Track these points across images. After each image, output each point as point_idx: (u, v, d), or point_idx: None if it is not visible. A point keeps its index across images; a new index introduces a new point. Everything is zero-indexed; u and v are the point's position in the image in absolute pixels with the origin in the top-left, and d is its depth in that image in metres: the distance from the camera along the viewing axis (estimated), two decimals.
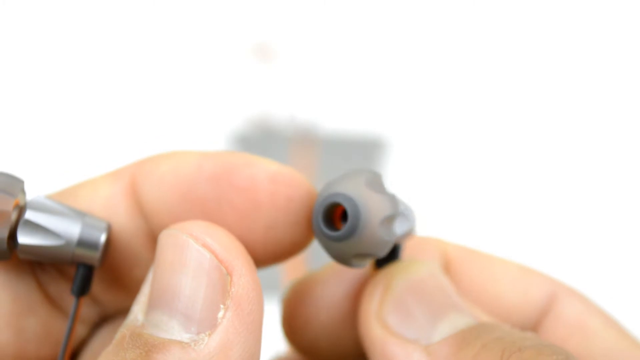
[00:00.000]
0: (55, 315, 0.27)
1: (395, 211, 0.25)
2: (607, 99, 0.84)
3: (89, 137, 0.79)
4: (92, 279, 0.26)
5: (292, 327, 0.29)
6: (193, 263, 0.23)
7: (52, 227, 0.25)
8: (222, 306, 0.23)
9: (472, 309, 0.27)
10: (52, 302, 0.27)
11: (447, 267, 0.30)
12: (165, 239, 0.24)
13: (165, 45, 0.86)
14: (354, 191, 0.24)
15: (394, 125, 0.83)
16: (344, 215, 0.25)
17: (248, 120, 0.82)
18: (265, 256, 0.27)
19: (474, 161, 0.81)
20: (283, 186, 0.26)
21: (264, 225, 0.26)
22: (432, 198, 0.78)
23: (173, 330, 0.23)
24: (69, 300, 0.27)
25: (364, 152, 0.80)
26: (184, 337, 0.23)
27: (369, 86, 0.85)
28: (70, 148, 0.78)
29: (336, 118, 0.83)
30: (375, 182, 0.25)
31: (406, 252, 0.29)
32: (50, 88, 0.83)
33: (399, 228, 0.26)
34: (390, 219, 0.24)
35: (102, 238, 0.26)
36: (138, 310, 0.24)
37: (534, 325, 0.29)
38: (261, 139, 0.81)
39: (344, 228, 0.24)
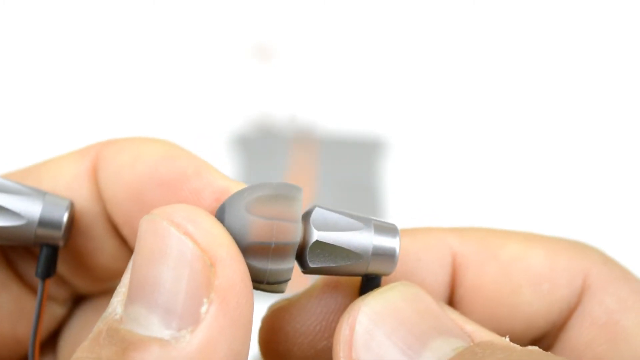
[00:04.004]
0: (26, 293, 0.27)
1: (271, 239, 0.22)
2: (607, 113, 0.84)
3: (88, 137, 0.79)
4: (57, 259, 0.25)
5: (270, 353, 0.27)
6: (174, 252, 0.21)
7: (11, 207, 0.24)
8: (205, 300, 0.21)
9: (468, 326, 0.23)
10: (23, 280, 0.27)
11: (456, 273, 0.26)
12: (146, 225, 0.22)
13: (165, 45, 0.86)
14: (229, 211, 0.23)
15: (393, 125, 0.83)
16: None
17: (248, 121, 0.82)
18: None
19: (472, 161, 0.81)
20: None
21: None
22: (431, 198, 0.78)
23: (153, 325, 0.21)
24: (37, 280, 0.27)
25: (363, 152, 0.80)
26: (165, 333, 0.21)
27: (368, 86, 0.85)
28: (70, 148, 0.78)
29: (336, 118, 0.83)
30: (267, 203, 0.23)
31: (404, 260, 0.26)
32: (50, 89, 0.83)
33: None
34: (262, 247, 0.22)
35: (65, 216, 0.25)
36: (117, 302, 0.22)
37: (559, 327, 0.26)
38: (261, 140, 0.81)
39: None
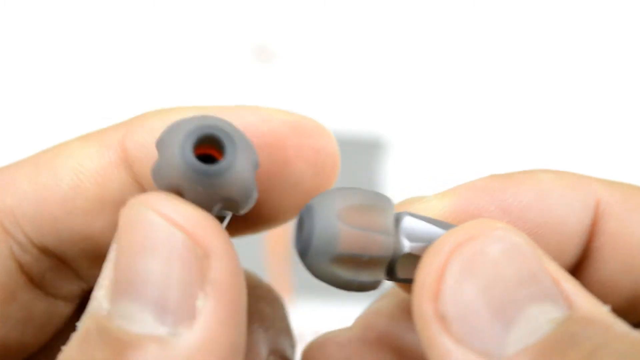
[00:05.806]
0: (36, 297, 0.26)
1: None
2: (615, 129, 0.84)
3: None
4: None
5: None
6: (163, 244, 0.20)
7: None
8: (200, 293, 0.20)
9: (567, 285, 0.20)
10: (34, 283, 0.26)
11: (598, 219, 0.24)
12: (129, 215, 0.21)
13: (165, 46, 0.86)
14: (318, 215, 0.21)
15: (393, 125, 0.83)
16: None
17: None
18: (286, 213, 0.25)
19: (473, 161, 0.81)
20: (307, 138, 0.25)
21: (291, 181, 0.24)
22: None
23: (146, 322, 0.19)
24: (50, 280, 0.26)
25: (363, 152, 0.80)
26: (160, 330, 0.19)
27: (368, 87, 0.85)
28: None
29: (335, 118, 0.83)
30: (361, 212, 0.21)
31: (547, 196, 0.24)
32: (51, 90, 0.83)
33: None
34: (353, 259, 0.21)
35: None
36: (102, 296, 0.20)
37: None
38: None
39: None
